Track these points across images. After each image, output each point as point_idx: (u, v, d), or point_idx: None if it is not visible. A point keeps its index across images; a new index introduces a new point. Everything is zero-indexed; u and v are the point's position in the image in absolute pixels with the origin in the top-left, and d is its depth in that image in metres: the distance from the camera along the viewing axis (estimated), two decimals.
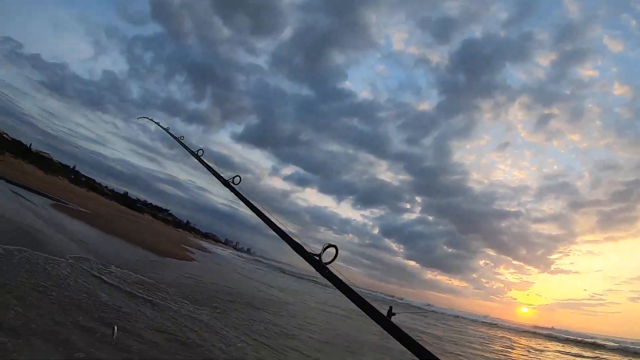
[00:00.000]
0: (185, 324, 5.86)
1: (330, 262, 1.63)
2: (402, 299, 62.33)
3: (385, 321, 1.40)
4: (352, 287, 1.56)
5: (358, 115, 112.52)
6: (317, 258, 1.65)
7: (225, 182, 2.73)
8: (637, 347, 26.53)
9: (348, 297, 1.54)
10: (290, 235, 1.93)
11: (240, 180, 2.62)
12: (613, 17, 72.02)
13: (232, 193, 2.59)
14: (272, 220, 2.09)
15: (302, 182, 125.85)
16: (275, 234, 1.99)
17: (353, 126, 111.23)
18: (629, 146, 60.76)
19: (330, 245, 1.63)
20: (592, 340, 30.00)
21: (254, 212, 2.24)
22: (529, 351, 16.53)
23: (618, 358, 20.65)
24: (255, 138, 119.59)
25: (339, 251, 1.62)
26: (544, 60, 69.35)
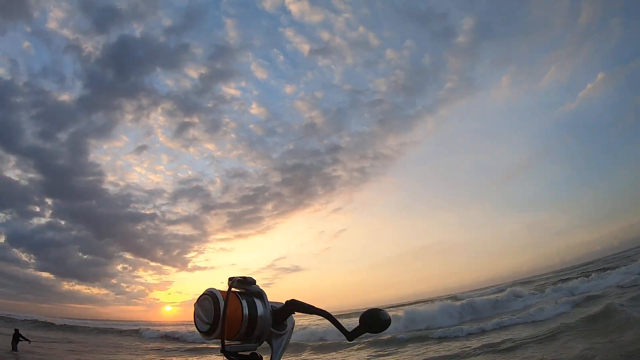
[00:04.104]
0: None
1: None
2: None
3: None
4: None
5: None
6: None
7: None
8: None
9: None
10: None
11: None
12: (264, 49, 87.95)
13: None
14: None
15: None
16: None
17: None
18: (257, 158, 77.33)
19: None
20: None
21: None
22: None
23: None
24: None
25: None
26: (193, 72, 77.05)
